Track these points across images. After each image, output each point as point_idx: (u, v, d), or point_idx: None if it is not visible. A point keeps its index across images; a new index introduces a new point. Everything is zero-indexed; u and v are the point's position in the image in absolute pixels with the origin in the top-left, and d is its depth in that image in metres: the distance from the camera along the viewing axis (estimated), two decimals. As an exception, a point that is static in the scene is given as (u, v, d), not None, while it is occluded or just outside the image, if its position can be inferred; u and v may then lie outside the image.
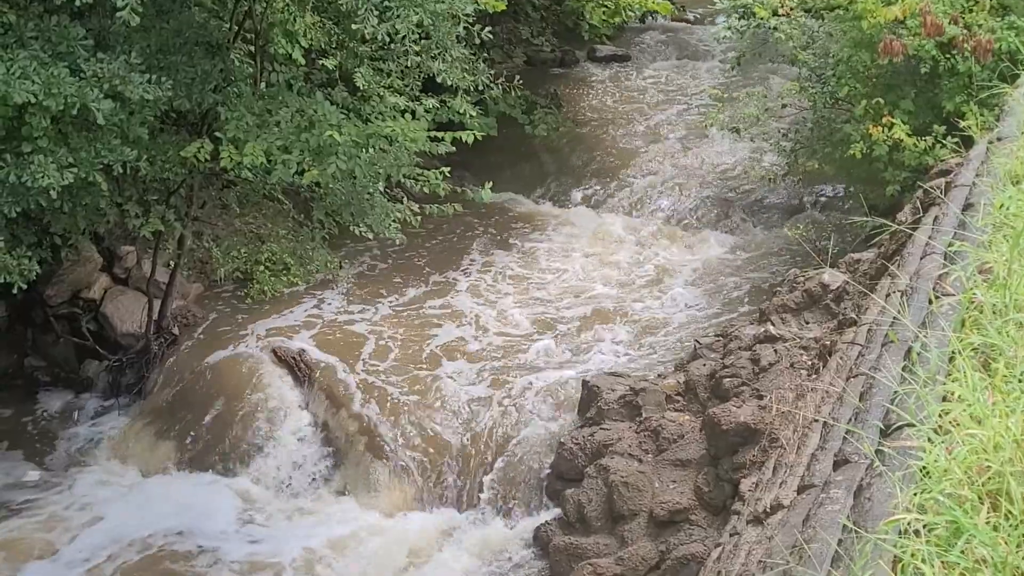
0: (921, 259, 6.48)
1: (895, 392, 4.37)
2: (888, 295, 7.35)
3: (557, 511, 10.16)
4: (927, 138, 11.73)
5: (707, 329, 12.67)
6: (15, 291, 10.11)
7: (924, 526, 3.33)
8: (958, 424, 3.75)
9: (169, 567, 10.26)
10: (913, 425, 3.92)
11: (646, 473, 9.58)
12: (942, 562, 3.19)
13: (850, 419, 5.04)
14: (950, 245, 5.86)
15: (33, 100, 8.70)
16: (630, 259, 15.41)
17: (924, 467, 3.60)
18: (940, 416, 3.89)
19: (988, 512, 3.34)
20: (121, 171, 9.93)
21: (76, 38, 9.26)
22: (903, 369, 4.67)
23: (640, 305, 13.86)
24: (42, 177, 8.98)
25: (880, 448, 4.03)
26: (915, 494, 3.49)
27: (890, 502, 3.64)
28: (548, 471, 10.64)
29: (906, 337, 5.08)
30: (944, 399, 4.08)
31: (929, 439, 3.74)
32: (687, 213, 16.94)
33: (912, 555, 3.24)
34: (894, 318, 5.50)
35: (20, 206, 9.44)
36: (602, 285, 14.58)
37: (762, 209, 16.67)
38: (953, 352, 4.34)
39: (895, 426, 4.09)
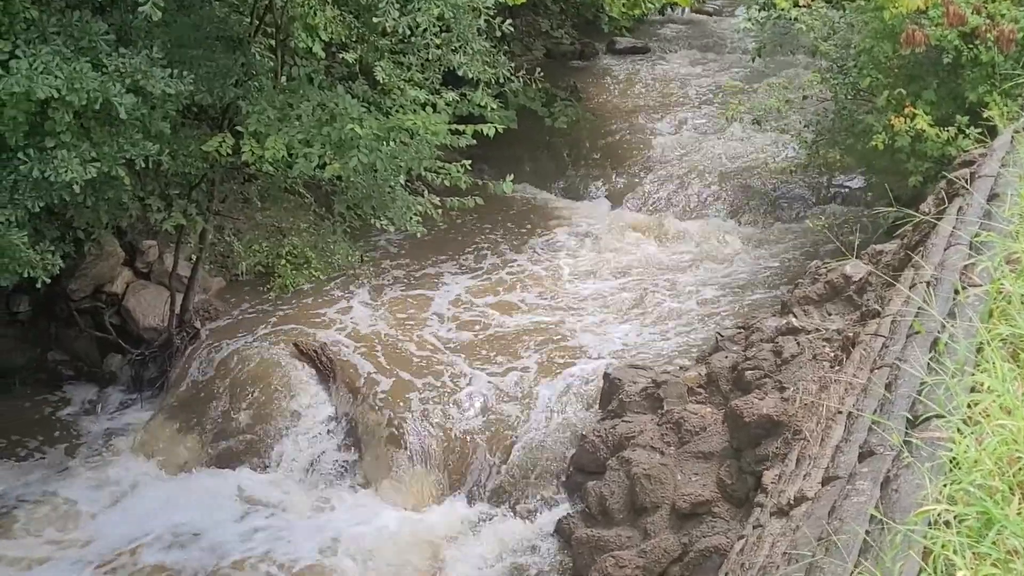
0: (946, 250, 6.45)
1: (922, 383, 4.35)
2: (913, 286, 7.31)
3: (579, 504, 10.16)
4: (950, 129, 11.65)
5: (728, 321, 12.64)
6: (38, 285, 10.13)
7: (955, 517, 3.32)
8: (988, 415, 3.74)
9: (190, 560, 10.30)
10: (942, 416, 3.91)
11: (668, 465, 9.56)
12: (973, 553, 3.18)
13: (875, 411, 5.01)
14: (976, 235, 5.84)
15: (56, 95, 8.71)
16: (650, 251, 15.37)
17: (954, 458, 3.59)
18: (969, 407, 3.88)
19: (1019, 503, 3.33)
20: (143, 165, 9.96)
21: (98, 33, 9.28)
22: (929, 360, 4.65)
23: (661, 297, 13.82)
24: (65, 172, 9.02)
25: (908, 439, 4.02)
26: (945, 485, 3.48)
27: (918, 493, 3.63)
28: (570, 464, 10.64)
29: (932, 328, 5.06)
30: (973, 390, 4.06)
31: (958, 430, 3.72)
32: (707, 205, 16.90)
33: (943, 546, 3.23)
34: (919, 309, 5.47)
35: (43, 201, 9.48)
36: (622, 277, 14.55)
37: (783, 201, 16.60)
38: (981, 343, 4.32)
39: (923, 417, 4.08)
